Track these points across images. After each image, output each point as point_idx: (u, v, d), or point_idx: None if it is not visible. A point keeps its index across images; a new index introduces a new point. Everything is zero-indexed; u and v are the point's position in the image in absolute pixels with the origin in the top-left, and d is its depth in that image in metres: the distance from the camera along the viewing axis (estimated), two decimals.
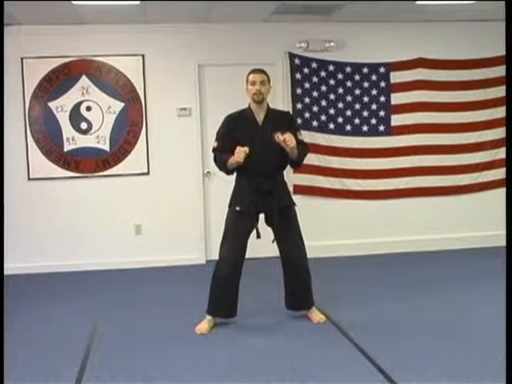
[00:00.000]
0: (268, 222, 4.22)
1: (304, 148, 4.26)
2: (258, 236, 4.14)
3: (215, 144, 4.23)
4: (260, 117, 4.17)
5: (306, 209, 6.52)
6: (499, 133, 6.60)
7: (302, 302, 4.36)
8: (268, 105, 4.24)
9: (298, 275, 4.28)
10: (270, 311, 4.54)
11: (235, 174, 4.24)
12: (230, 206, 4.21)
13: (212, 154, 4.32)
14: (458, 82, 6.61)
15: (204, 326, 4.15)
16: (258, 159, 4.07)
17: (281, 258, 4.29)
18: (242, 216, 4.12)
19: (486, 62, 6.61)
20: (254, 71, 4.17)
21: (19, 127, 6.15)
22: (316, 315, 4.32)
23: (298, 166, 4.46)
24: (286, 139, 3.95)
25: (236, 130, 4.14)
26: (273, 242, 4.22)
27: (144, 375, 3.44)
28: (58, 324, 4.47)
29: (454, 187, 6.75)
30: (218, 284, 4.16)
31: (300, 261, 4.26)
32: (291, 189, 6.49)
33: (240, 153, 3.97)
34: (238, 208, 4.14)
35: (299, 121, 6.41)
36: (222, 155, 4.16)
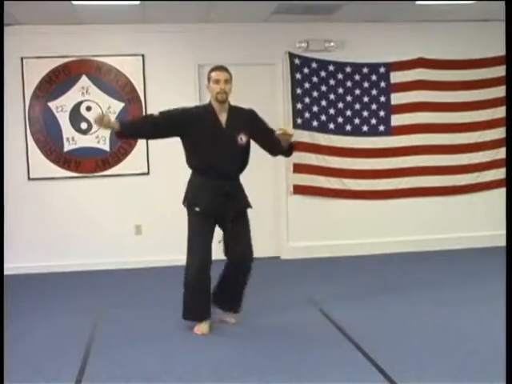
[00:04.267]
0: (220, 222, 4.09)
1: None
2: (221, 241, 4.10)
3: (155, 113, 4.13)
4: (223, 117, 4.04)
5: (306, 209, 6.57)
6: (499, 133, 6.60)
7: (237, 303, 4.28)
8: (229, 103, 4.10)
9: (244, 276, 4.20)
10: (269, 311, 4.54)
11: (191, 172, 4.12)
12: (188, 207, 4.06)
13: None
14: (458, 81, 6.61)
15: (204, 326, 4.13)
16: (221, 161, 3.96)
17: (230, 258, 4.15)
18: (203, 217, 4.00)
19: (486, 61, 6.61)
20: (217, 68, 4.03)
21: (19, 127, 6.15)
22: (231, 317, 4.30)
23: (290, 154, 4.22)
24: (288, 130, 3.94)
25: (195, 124, 4.00)
26: (219, 242, 4.14)
27: (144, 375, 3.43)
28: (58, 324, 4.47)
29: (454, 187, 6.75)
30: (186, 289, 4.08)
31: (251, 262, 4.18)
32: (291, 189, 6.54)
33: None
34: (197, 209, 3.99)
35: (299, 121, 6.43)
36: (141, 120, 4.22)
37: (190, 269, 4.02)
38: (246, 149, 4.10)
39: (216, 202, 3.97)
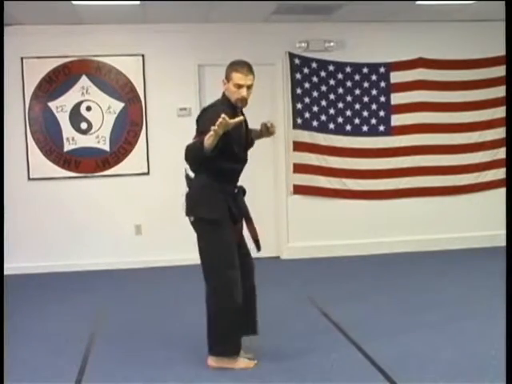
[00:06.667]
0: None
1: None
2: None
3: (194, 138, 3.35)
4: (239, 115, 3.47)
5: (305, 209, 6.57)
6: (499, 133, 6.60)
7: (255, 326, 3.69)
8: None
9: (254, 291, 3.68)
10: (269, 311, 4.54)
11: (201, 178, 3.50)
12: (206, 217, 3.46)
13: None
14: (458, 81, 6.61)
15: (245, 360, 3.55)
16: (239, 163, 3.55)
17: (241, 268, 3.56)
18: (226, 224, 3.50)
19: (486, 61, 6.62)
20: (240, 69, 3.42)
21: (19, 127, 6.15)
22: None
23: None
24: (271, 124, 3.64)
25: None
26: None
27: (144, 375, 3.44)
28: (58, 324, 4.47)
29: (454, 187, 6.75)
30: (222, 317, 3.46)
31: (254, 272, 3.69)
32: (291, 189, 6.54)
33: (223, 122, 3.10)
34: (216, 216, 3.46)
35: (299, 121, 6.44)
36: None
37: (228, 291, 3.41)
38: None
39: (232, 206, 3.51)
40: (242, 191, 3.66)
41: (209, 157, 3.24)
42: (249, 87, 3.45)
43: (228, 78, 3.46)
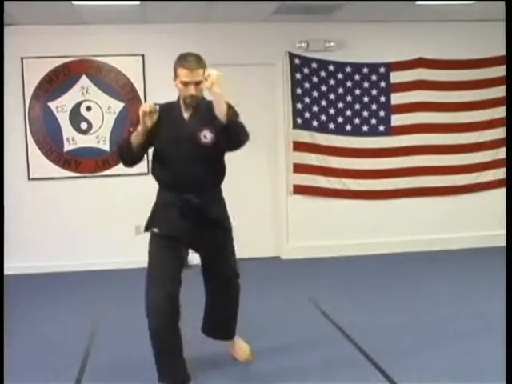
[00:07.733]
0: (193, 246, 3.32)
1: (239, 119, 3.12)
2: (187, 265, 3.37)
3: (129, 130, 3.16)
4: (188, 112, 3.21)
5: (306, 209, 6.57)
6: (499, 133, 6.59)
7: (224, 329, 3.64)
8: (202, 96, 3.23)
9: (233, 297, 3.57)
10: (269, 311, 4.54)
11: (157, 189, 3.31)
12: (145, 228, 3.27)
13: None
14: (458, 81, 6.61)
15: None
16: (183, 168, 3.14)
17: (210, 279, 3.55)
18: (167, 240, 3.19)
19: (486, 61, 6.62)
20: (187, 63, 3.07)
21: (19, 127, 6.15)
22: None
23: (235, 143, 3.11)
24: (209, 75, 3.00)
25: (160, 123, 3.14)
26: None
27: (144, 375, 3.43)
28: (58, 324, 4.47)
29: (454, 187, 6.75)
30: (152, 341, 3.23)
31: (237, 279, 3.52)
32: (291, 189, 6.53)
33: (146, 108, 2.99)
34: (156, 230, 3.20)
35: (299, 121, 6.43)
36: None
37: (150, 318, 3.23)
38: (213, 150, 3.15)
39: (183, 221, 3.16)
40: (197, 206, 3.16)
41: (138, 155, 3.20)
42: (197, 84, 3.09)
43: (175, 74, 3.16)
